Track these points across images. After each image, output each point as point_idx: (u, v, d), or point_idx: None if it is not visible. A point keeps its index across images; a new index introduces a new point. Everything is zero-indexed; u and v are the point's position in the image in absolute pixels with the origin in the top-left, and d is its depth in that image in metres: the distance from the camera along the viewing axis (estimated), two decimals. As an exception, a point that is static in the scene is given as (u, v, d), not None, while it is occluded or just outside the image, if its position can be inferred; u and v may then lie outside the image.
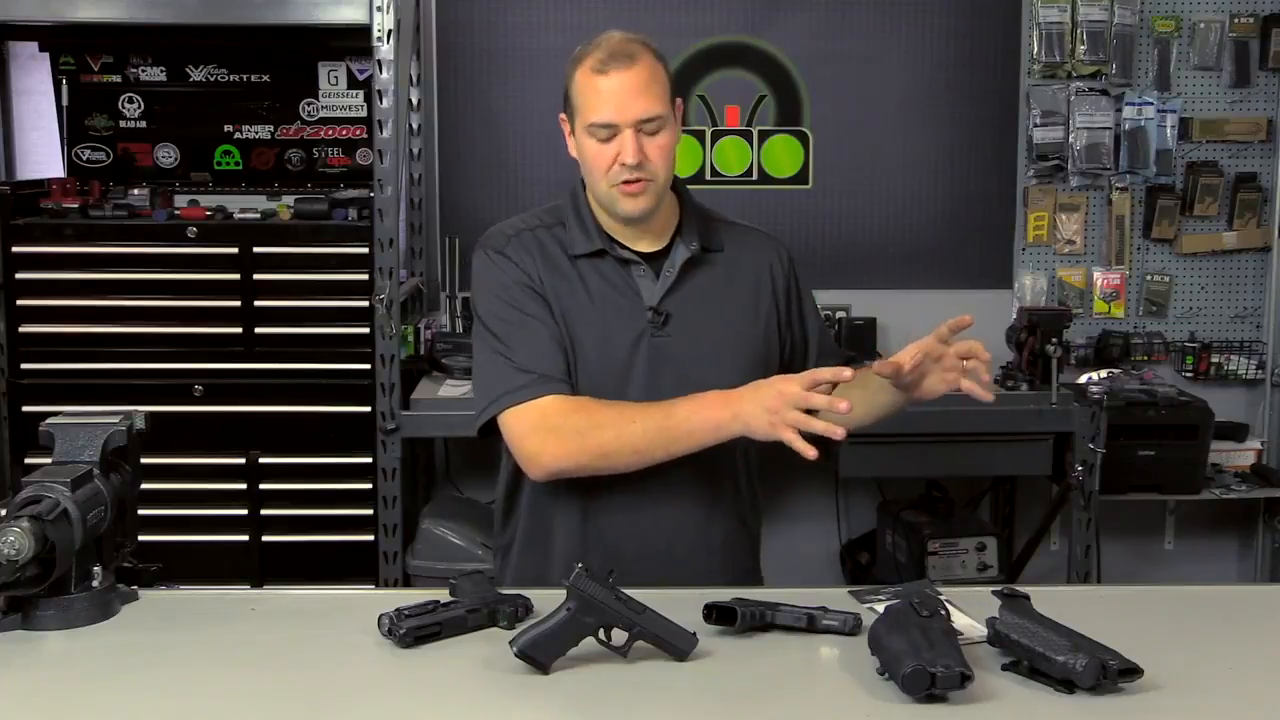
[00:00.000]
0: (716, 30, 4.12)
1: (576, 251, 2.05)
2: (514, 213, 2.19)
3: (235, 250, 3.50)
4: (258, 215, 3.64)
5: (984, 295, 4.17)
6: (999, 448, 3.65)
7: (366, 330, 3.47)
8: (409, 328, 3.74)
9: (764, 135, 4.17)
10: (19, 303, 3.50)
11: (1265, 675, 1.65)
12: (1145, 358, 4.19)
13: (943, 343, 1.95)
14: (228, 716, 1.53)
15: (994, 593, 1.70)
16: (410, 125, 4.02)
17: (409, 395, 3.53)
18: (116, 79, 3.91)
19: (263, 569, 3.55)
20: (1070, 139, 4.14)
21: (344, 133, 3.96)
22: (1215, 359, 4.24)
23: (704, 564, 2.07)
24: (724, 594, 1.78)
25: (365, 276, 3.46)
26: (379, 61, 3.37)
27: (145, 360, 3.51)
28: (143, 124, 3.94)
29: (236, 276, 3.50)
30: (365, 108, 3.90)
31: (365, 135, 3.91)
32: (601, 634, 1.65)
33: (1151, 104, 4.13)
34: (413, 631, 1.69)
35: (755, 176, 4.18)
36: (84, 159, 3.93)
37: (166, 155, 3.96)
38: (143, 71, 3.91)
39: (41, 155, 4.02)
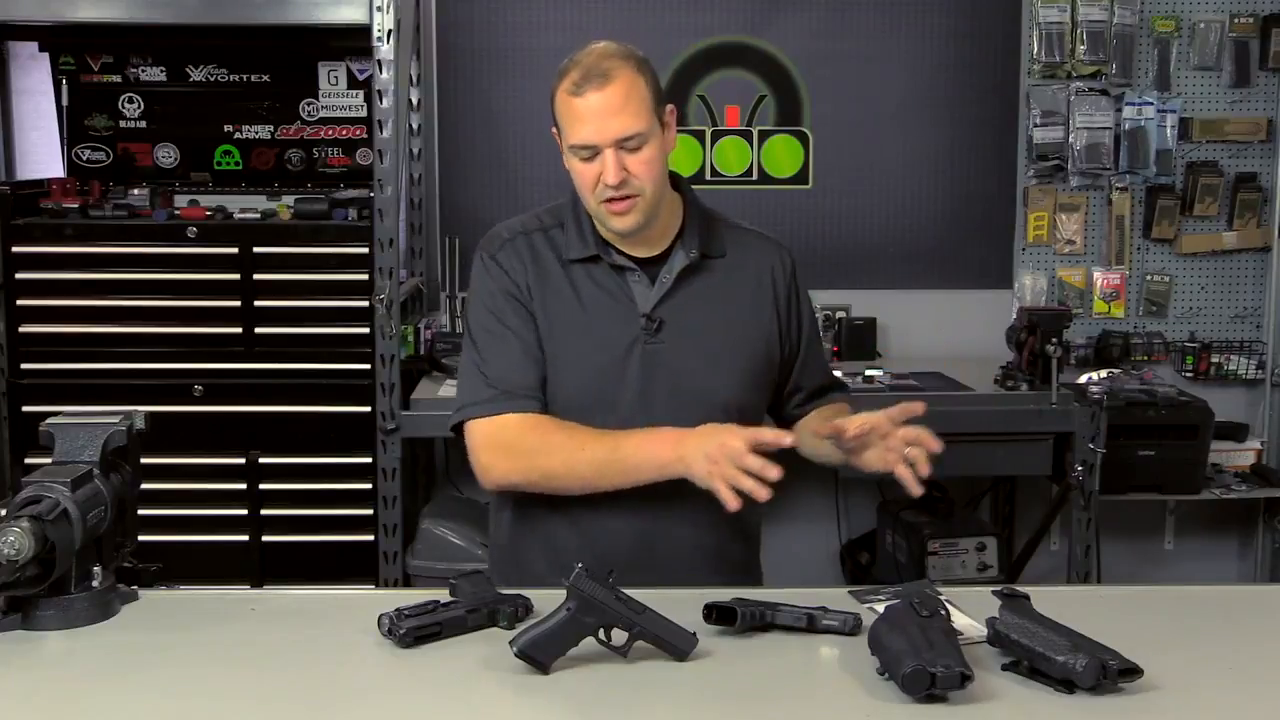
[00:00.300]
0: (716, 30, 4.12)
1: (571, 256, 2.05)
2: (514, 213, 2.19)
3: (235, 250, 3.51)
4: (258, 215, 3.64)
5: (984, 295, 4.18)
6: (999, 448, 3.64)
7: (366, 330, 3.47)
8: (409, 328, 3.74)
9: (764, 135, 4.17)
10: (19, 303, 3.51)
11: (1265, 675, 1.65)
12: (1145, 358, 4.20)
13: (894, 424, 1.97)
14: (228, 716, 1.53)
15: (994, 593, 1.70)
16: (410, 125, 4.02)
17: (409, 395, 3.53)
18: (116, 79, 3.91)
19: (263, 569, 3.55)
20: (1070, 139, 4.14)
21: (344, 133, 3.96)
22: (1215, 359, 4.24)
23: (702, 564, 2.06)
24: (724, 594, 1.78)
25: (365, 276, 3.46)
26: (379, 61, 3.37)
27: (145, 360, 3.51)
28: (143, 124, 3.94)
29: (236, 276, 3.50)
30: (365, 108, 3.90)
31: (365, 135, 3.91)
32: (601, 634, 1.64)
33: (1151, 104, 4.13)
34: (413, 631, 1.69)
35: (755, 176, 4.18)
36: (84, 159, 3.93)
37: (166, 155, 3.95)
38: (143, 71, 3.91)
39: (41, 155, 4.03)
